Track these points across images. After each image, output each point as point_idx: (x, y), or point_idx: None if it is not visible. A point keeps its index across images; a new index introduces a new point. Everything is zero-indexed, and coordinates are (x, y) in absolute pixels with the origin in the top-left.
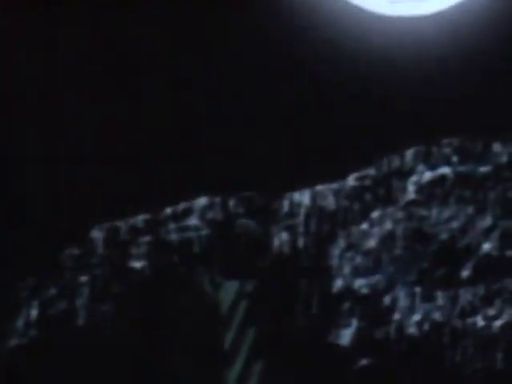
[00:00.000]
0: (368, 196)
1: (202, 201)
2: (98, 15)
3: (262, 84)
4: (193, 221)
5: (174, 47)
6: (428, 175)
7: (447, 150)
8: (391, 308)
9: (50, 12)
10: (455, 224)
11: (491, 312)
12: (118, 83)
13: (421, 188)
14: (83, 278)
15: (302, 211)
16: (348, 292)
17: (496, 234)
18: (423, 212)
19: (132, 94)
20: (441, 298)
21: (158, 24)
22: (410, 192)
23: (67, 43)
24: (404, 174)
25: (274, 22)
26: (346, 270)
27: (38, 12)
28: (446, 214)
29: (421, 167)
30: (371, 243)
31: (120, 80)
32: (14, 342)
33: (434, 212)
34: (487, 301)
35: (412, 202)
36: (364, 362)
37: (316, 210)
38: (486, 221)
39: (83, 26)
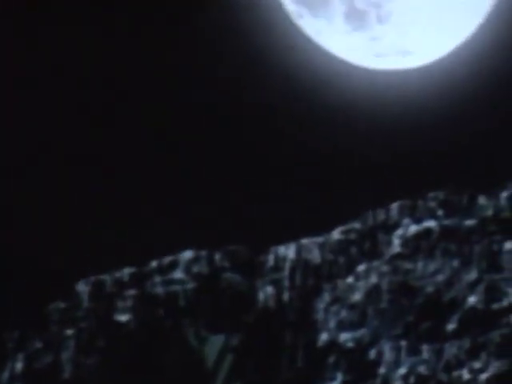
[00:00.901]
0: (353, 249)
1: (188, 254)
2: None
3: (249, 139)
4: (178, 274)
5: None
6: (413, 229)
7: (432, 204)
8: (376, 362)
9: None
10: (441, 277)
11: (477, 365)
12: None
13: (406, 241)
14: (69, 332)
15: (287, 265)
16: (333, 346)
17: (481, 288)
18: (409, 265)
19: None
20: (426, 351)
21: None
22: (396, 245)
23: None
24: (389, 227)
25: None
26: (332, 323)
27: None
28: (432, 267)
29: (406, 221)
30: (356, 297)
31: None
32: None
33: (420, 265)
34: (473, 354)
35: (397, 256)
36: None
37: (301, 264)
38: (472, 274)
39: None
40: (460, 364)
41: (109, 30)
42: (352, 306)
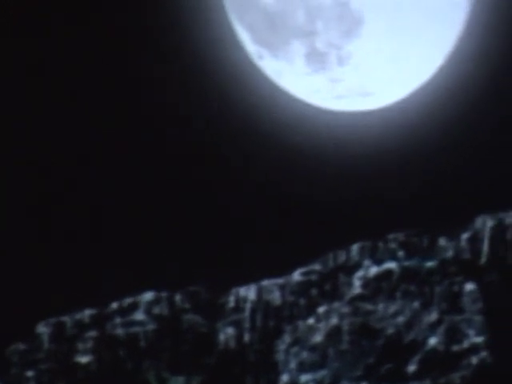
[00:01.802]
0: (314, 291)
1: (148, 296)
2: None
3: (209, 180)
4: (139, 316)
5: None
6: (374, 270)
7: (393, 245)
8: None
9: None
10: (401, 319)
11: None
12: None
13: (367, 283)
14: (29, 373)
15: (248, 306)
16: None
17: (442, 329)
18: (369, 307)
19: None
20: None
21: None
22: (356, 287)
23: None
24: (350, 268)
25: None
26: (292, 364)
27: None
28: (392, 308)
29: (367, 262)
30: (317, 338)
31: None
32: None
33: (380, 307)
34: None
35: (358, 297)
36: None
37: (262, 305)
38: (432, 315)
39: None
40: None
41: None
42: (313, 348)
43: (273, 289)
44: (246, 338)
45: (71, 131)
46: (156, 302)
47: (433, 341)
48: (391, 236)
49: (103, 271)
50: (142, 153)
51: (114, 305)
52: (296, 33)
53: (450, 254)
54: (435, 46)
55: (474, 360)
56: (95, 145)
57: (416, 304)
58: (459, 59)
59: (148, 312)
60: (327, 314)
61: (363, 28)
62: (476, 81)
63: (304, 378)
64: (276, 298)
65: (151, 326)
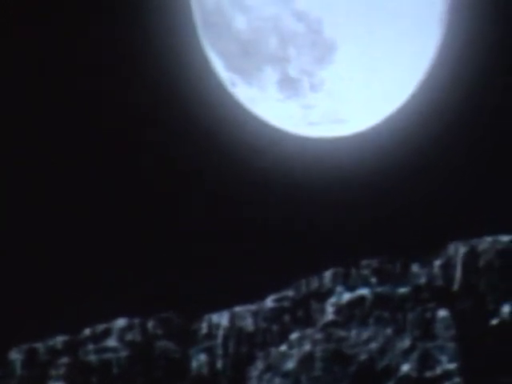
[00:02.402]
0: (287, 317)
1: (121, 322)
2: None
3: (185, 206)
4: (112, 342)
5: None
6: (347, 296)
7: (366, 272)
8: None
9: None
10: (374, 345)
11: None
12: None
13: (340, 309)
14: None
15: (221, 333)
16: None
17: (415, 355)
18: (342, 333)
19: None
20: None
21: None
22: (329, 313)
23: None
24: (323, 295)
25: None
26: None
27: None
28: (365, 335)
29: (340, 288)
30: (290, 365)
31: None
32: None
33: (353, 333)
34: None
35: (331, 323)
36: None
37: (234, 332)
38: (405, 342)
39: None
40: None
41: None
42: (285, 374)
43: (245, 315)
44: (219, 364)
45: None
46: (129, 328)
47: (406, 367)
48: (364, 262)
49: (76, 297)
50: (116, 180)
51: (87, 331)
52: (269, 60)
53: (422, 280)
54: (407, 73)
55: None
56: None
57: (389, 330)
58: (431, 86)
59: (121, 338)
60: (300, 341)
61: (336, 55)
62: (447, 107)
63: None
64: (249, 324)
65: (124, 353)
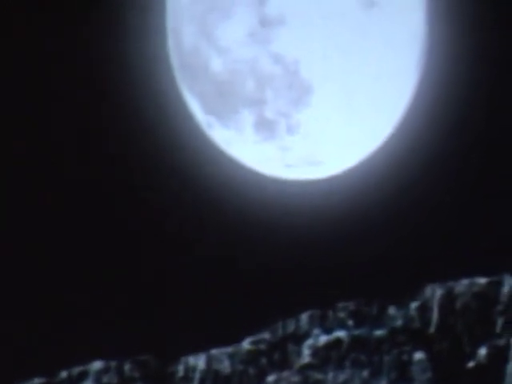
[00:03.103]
0: (263, 360)
1: (97, 364)
2: None
3: (162, 249)
4: None
5: None
6: (323, 339)
7: (342, 314)
8: None
9: None
10: None
11: None
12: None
13: (316, 351)
14: None
15: (197, 375)
16: None
17: None
18: (319, 376)
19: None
20: None
21: None
22: (306, 356)
23: None
24: (299, 337)
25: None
26: None
27: None
28: (342, 377)
29: (316, 331)
30: None
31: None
32: None
33: (330, 376)
34: None
35: (307, 366)
36: None
37: (211, 374)
38: None
39: None
40: None
41: None
42: None
43: (222, 357)
44: None
45: None
46: (105, 370)
47: None
48: (340, 305)
49: (53, 340)
50: (90, 223)
51: (64, 374)
52: (245, 102)
53: (399, 322)
54: (385, 115)
55: None
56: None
57: (365, 373)
58: (408, 128)
59: (97, 381)
60: (276, 383)
61: (313, 97)
62: (425, 149)
63: None
64: (225, 366)
65: None
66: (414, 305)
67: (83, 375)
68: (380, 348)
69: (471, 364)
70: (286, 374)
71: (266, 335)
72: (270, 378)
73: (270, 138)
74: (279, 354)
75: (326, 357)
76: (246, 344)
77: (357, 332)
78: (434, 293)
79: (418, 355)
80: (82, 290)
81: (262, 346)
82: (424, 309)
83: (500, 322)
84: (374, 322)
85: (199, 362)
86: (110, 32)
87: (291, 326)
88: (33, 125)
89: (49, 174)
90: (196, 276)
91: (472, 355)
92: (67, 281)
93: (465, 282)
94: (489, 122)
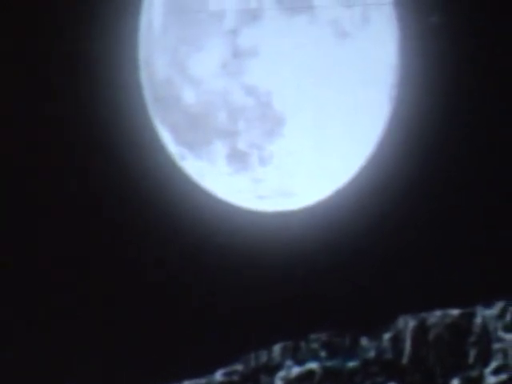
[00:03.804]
0: None
1: None
2: None
3: (137, 286)
4: None
5: None
6: (296, 370)
7: (315, 345)
8: None
9: None
10: None
11: None
12: None
13: (289, 383)
14: None
15: None
16: None
17: None
18: None
19: None
20: None
21: None
22: None
23: None
24: (272, 369)
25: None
26: None
27: None
28: None
29: (289, 362)
30: None
31: None
32: None
33: None
34: None
35: None
36: None
37: None
38: None
39: None
40: None
41: None
42: None
43: None
44: None
45: None
46: None
47: None
48: (313, 336)
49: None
50: (67, 259)
51: None
52: (218, 133)
53: (371, 354)
54: (357, 147)
55: None
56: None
57: None
58: (380, 160)
59: None
60: None
61: (285, 128)
62: (398, 180)
63: None
64: None
65: None
66: (386, 336)
67: None
68: (353, 379)
69: None
70: None
71: (239, 366)
72: None
73: (242, 170)
74: None
75: None
76: (219, 375)
77: (329, 363)
78: (407, 324)
79: None
80: (55, 334)
81: (235, 378)
82: (397, 340)
83: (473, 353)
84: (346, 353)
85: None
86: (80, 62)
87: (264, 358)
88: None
89: (20, 208)
90: (169, 307)
91: None
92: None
93: (437, 313)
94: (462, 153)
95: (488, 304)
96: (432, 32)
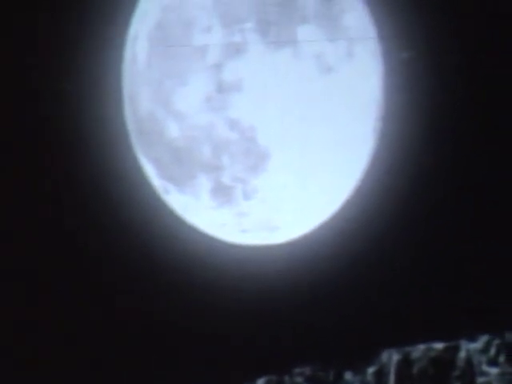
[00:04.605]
0: None
1: None
2: None
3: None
4: None
5: None
6: None
7: (299, 379)
8: None
9: None
10: None
11: None
12: None
13: None
14: None
15: None
16: None
17: None
18: None
19: None
20: None
21: None
22: None
23: None
24: None
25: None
26: None
27: None
28: None
29: None
30: None
31: None
32: None
33: None
34: None
35: None
36: None
37: None
38: None
39: None
40: None
41: None
42: None
43: None
44: None
45: None
46: None
47: None
48: (297, 370)
49: None
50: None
51: None
52: (202, 167)
53: None
54: (341, 180)
55: None
56: None
57: None
58: (364, 193)
59: None
60: None
61: (269, 162)
62: (382, 214)
63: None
64: None
65: None
66: (370, 370)
67: None
68: None
69: None
70: None
71: None
72: None
73: (226, 204)
74: None
75: None
76: None
77: None
78: (391, 358)
79: None
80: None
81: None
82: (381, 374)
83: None
84: None
85: None
86: (64, 95)
87: None
88: None
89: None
90: (153, 342)
91: None
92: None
93: (421, 347)
94: (446, 187)
95: (472, 338)
96: (416, 66)
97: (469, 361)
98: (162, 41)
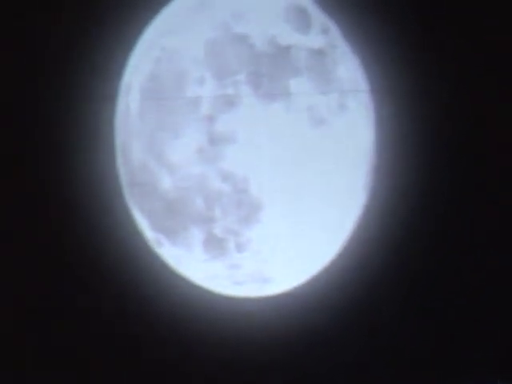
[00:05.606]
0: None
1: None
2: None
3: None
4: None
5: None
6: None
7: None
8: None
9: None
10: None
11: None
12: None
13: None
14: None
15: None
16: None
17: None
18: None
19: None
20: None
21: None
22: None
23: None
24: None
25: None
26: None
27: None
28: None
29: None
30: None
31: None
32: None
33: None
34: None
35: None
36: None
37: None
38: None
39: None
40: None
41: None
42: None
43: None
44: None
45: None
46: None
47: None
48: None
49: None
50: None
51: None
52: (194, 219)
53: None
54: (333, 232)
55: None
56: None
57: None
58: (357, 245)
59: None
60: None
61: (262, 214)
62: (374, 266)
63: None
64: None
65: None
66: None
67: None
68: None
69: None
70: None
71: None
72: None
73: (219, 256)
74: None
75: None
76: None
77: None
78: None
79: None
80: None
81: None
82: None
83: None
84: None
85: None
86: (56, 146)
87: None
88: None
89: None
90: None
91: None
92: None
93: None
94: (438, 241)
95: None
96: (408, 119)
97: None
98: (154, 92)
